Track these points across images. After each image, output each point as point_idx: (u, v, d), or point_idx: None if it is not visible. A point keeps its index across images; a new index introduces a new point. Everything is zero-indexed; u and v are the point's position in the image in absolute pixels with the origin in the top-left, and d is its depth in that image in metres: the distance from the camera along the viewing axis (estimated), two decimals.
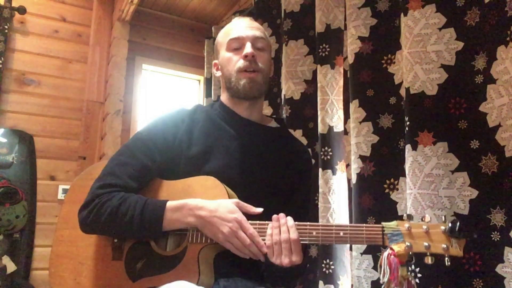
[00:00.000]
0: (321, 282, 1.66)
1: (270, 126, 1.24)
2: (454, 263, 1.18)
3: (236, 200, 0.98)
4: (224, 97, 1.22)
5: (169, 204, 0.98)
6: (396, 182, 1.46)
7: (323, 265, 1.66)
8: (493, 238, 1.16)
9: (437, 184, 1.25)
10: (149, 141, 1.09)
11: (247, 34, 1.16)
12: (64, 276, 1.08)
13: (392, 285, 0.87)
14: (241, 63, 1.13)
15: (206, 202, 0.97)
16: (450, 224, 0.87)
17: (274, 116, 1.34)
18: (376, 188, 1.48)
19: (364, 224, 0.94)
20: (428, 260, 0.88)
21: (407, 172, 1.31)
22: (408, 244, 0.88)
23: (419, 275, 1.23)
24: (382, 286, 0.89)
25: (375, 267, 1.44)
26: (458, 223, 0.87)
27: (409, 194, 1.29)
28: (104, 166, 1.08)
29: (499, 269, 1.14)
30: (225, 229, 0.92)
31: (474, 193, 1.21)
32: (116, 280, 1.01)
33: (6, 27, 2.66)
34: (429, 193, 1.26)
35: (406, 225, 0.90)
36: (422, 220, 0.91)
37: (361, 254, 1.48)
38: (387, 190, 1.46)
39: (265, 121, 1.24)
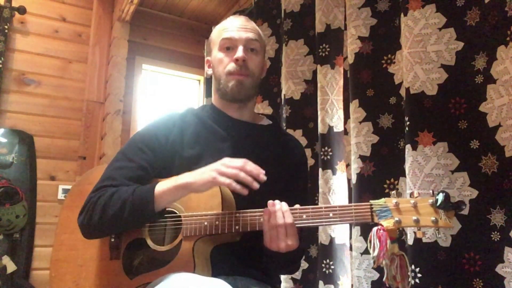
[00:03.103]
0: (321, 282, 1.66)
1: (262, 124, 1.24)
2: (454, 263, 1.19)
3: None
4: (214, 99, 1.22)
5: (161, 180, 1.01)
6: (396, 182, 1.46)
7: (323, 265, 1.66)
8: (493, 238, 1.16)
9: (437, 184, 1.25)
10: (142, 144, 1.11)
11: (240, 36, 1.14)
12: (64, 279, 1.09)
13: (381, 259, 0.86)
14: (231, 66, 1.13)
15: None
16: (437, 196, 0.87)
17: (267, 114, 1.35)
18: (376, 188, 1.48)
19: (353, 204, 0.94)
20: (420, 235, 0.87)
21: (407, 172, 1.31)
22: (397, 219, 0.88)
23: (419, 275, 1.23)
24: (373, 261, 0.87)
25: (375, 267, 1.44)
26: (445, 194, 0.86)
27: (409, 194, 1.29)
28: (102, 173, 1.10)
29: (499, 269, 1.14)
30: (216, 165, 0.94)
31: (474, 193, 1.21)
32: (114, 279, 1.02)
33: (6, 27, 2.66)
34: (429, 193, 1.25)
35: (394, 200, 0.90)
36: (410, 196, 0.91)
37: (361, 254, 1.48)
38: (387, 190, 1.46)
39: (256, 120, 1.24)
